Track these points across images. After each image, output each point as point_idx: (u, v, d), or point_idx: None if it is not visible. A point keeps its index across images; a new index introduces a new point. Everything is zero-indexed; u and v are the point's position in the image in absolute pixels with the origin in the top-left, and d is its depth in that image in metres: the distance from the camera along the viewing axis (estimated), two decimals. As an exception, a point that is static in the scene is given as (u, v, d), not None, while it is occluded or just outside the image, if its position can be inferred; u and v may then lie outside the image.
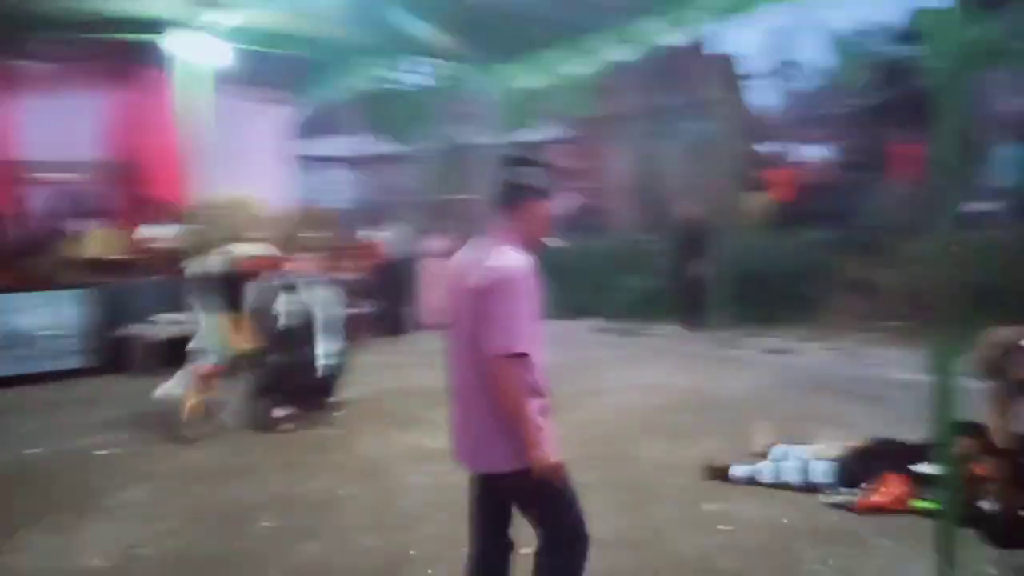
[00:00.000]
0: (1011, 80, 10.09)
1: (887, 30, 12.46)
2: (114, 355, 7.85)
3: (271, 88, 10.86)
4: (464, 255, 2.51)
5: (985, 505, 3.57)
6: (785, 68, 14.56)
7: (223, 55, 8.36)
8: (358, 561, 3.50)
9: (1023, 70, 9.22)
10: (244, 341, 5.74)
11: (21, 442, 5.40)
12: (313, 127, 17.33)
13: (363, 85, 10.58)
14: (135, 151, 10.09)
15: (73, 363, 7.70)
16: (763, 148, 12.26)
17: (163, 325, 7.85)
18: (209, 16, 7.59)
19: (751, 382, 6.84)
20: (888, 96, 11.07)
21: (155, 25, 8.08)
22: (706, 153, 11.78)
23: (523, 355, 2.29)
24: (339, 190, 17.78)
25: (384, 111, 11.95)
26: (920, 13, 9.75)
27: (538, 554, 2.48)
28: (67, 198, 10.24)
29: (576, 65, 9.01)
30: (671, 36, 7.27)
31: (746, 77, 14.74)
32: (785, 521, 3.82)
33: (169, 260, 8.30)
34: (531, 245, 2.44)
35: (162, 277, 8.28)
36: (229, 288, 5.69)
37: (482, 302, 2.31)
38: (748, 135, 12.99)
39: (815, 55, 13.95)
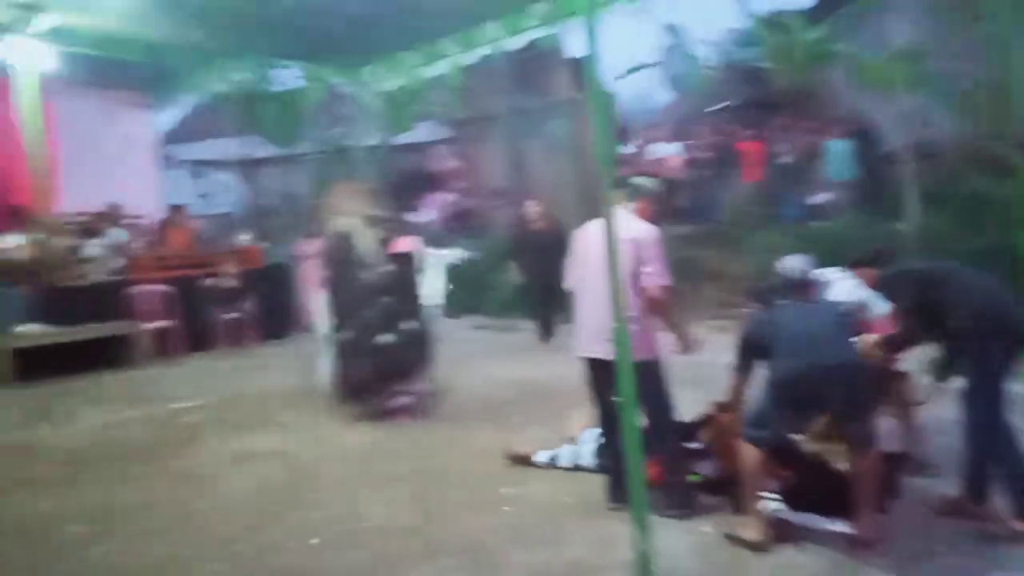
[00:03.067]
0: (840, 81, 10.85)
1: (732, 35, 13.19)
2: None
3: (126, 91, 10.62)
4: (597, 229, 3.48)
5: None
6: (640, 70, 15.15)
7: (51, 59, 8.22)
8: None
9: (847, 70, 9.96)
10: None
11: None
12: (193, 130, 16.92)
13: (225, 87, 10.48)
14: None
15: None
16: (624, 148, 12.70)
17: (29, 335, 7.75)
18: (34, 19, 7.44)
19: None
20: (735, 98, 11.74)
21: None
22: (570, 153, 12.12)
23: None
24: (224, 193, 17.35)
25: (255, 113, 11.81)
26: (758, 20, 10.39)
27: None
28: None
29: (432, 68, 9.25)
30: (514, 39, 7.60)
31: (611, 78, 15.20)
32: (568, 500, 4.05)
33: (27, 270, 8.16)
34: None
35: (19, 287, 8.05)
36: None
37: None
38: (615, 136, 13.43)
39: (665, 59, 14.57)
